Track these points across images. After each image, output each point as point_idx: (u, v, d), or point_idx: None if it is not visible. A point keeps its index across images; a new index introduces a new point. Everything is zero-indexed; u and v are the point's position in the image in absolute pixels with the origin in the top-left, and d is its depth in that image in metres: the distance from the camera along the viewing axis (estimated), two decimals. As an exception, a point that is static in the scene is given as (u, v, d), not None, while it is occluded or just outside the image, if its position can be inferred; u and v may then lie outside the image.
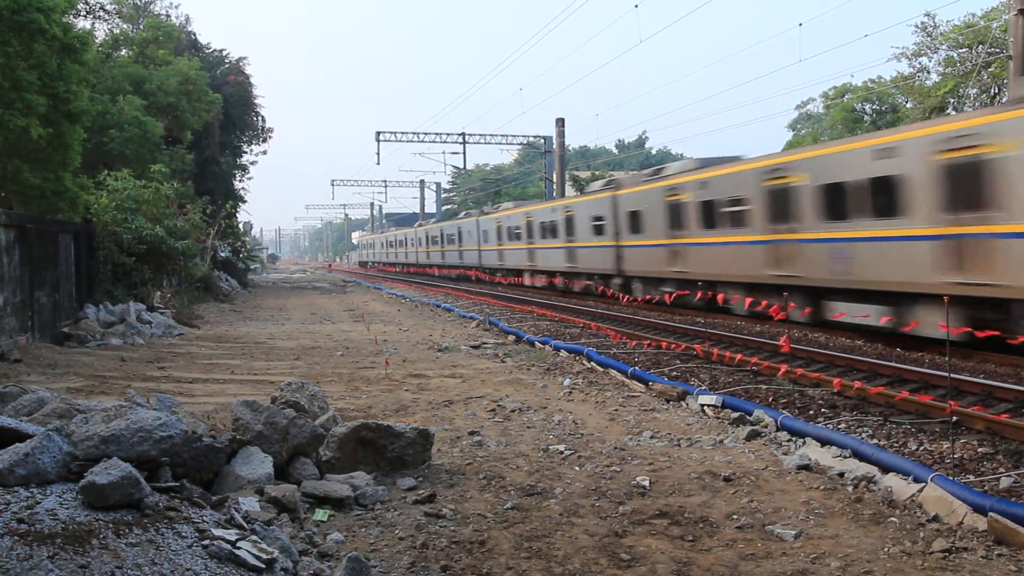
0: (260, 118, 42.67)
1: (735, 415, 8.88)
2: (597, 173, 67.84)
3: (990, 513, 5.31)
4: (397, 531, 5.50)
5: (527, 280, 35.79)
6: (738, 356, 12.90)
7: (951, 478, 6.23)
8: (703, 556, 5.06)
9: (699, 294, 18.18)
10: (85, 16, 23.88)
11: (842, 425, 8.77)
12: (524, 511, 5.90)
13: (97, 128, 22.02)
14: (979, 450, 7.69)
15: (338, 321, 23.14)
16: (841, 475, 6.63)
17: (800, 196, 16.30)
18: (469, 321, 21.38)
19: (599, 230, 26.82)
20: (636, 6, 32.13)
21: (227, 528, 4.69)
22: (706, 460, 7.25)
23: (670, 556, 5.05)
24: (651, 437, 8.14)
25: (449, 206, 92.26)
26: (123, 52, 30.00)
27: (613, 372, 12.10)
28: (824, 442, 7.55)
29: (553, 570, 4.86)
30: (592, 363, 13.02)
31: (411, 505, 6.03)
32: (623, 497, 6.20)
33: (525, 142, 54.51)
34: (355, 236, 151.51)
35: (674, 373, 12.20)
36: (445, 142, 51.94)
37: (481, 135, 52.37)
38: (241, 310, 27.91)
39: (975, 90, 34.32)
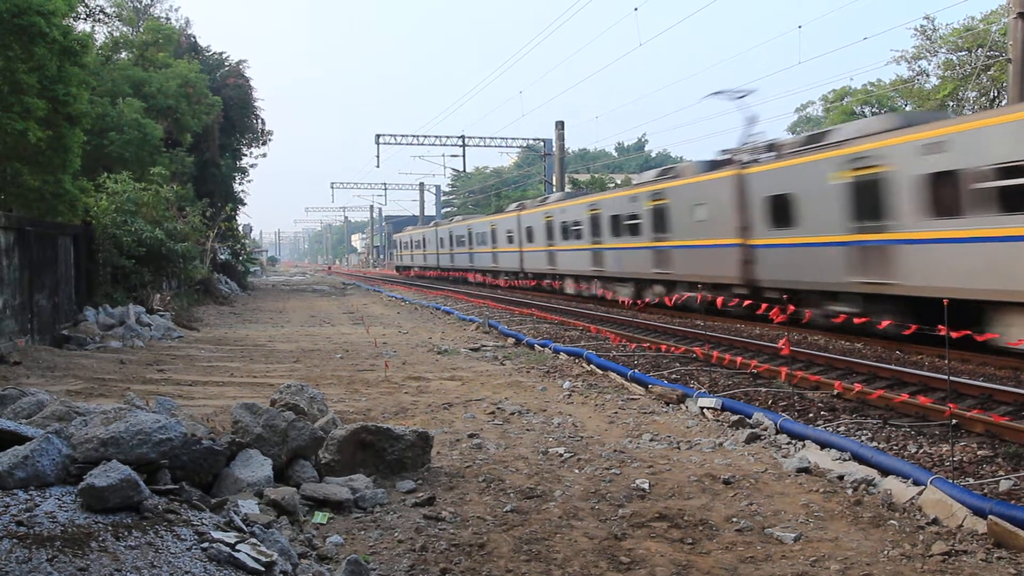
0: (260, 121, 42.76)
1: (735, 418, 8.88)
2: (596, 176, 67.98)
3: (990, 516, 5.31)
4: (396, 534, 5.49)
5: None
6: (738, 359, 12.90)
7: (951, 481, 6.23)
8: (702, 559, 5.06)
9: None
10: (85, 19, 23.95)
11: (841, 428, 8.78)
12: (523, 514, 5.90)
13: (97, 131, 22.04)
14: (978, 453, 7.69)
15: (337, 324, 23.14)
16: (841, 478, 6.63)
17: None
18: (469, 324, 21.37)
19: None
20: (636, 9, 32.34)
21: (226, 531, 4.68)
22: (706, 463, 7.25)
23: (670, 559, 5.05)
24: (650, 440, 8.14)
25: (449, 208, 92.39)
26: (123, 55, 30.03)
27: (613, 375, 12.10)
28: (824, 445, 7.55)
29: (552, 573, 4.85)
30: (592, 366, 13.01)
31: (410, 508, 6.02)
32: (622, 500, 6.19)
33: (525, 145, 54.61)
34: (355, 237, 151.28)
35: (673, 376, 12.20)
36: (445, 145, 52.09)
37: (481, 138, 52.54)
38: (240, 313, 27.90)
39: (974, 93, 34.39)
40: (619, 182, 62.19)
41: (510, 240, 36.30)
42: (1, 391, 7.17)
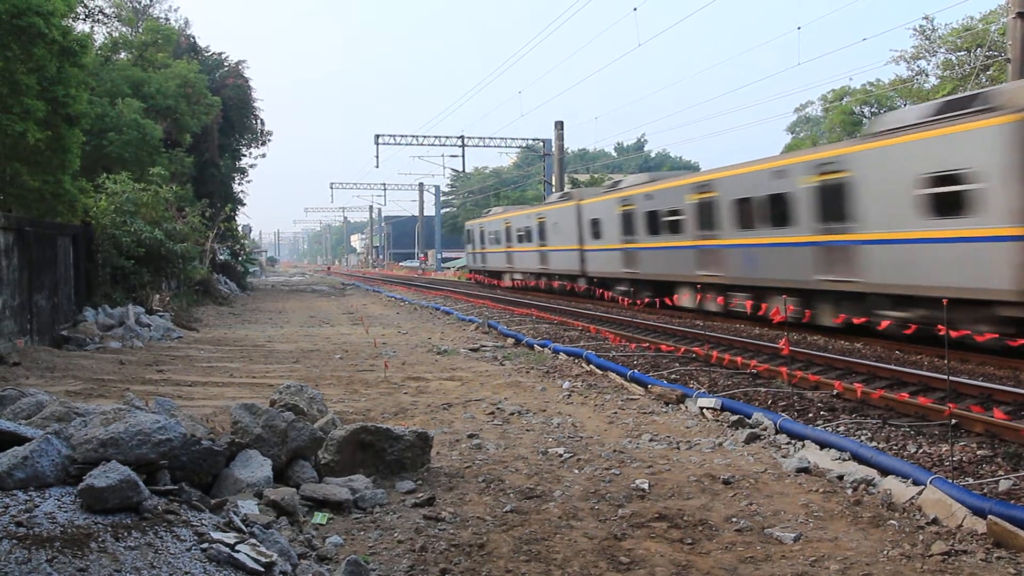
0: (259, 121, 42.75)
1: (734, 418, 8.88)
2: (596, 176, 67.98)
3: (989, 516, 5.31)
4: (396, 534, 5.49)
5: None
6: (738, 359, 12.90)
7: (950, 481, 6.23)
8: (702, 559, 5.06)
9: None
10: (84, 20, 23.94)
11: (841, 428, 8.77)
12: (523, 514, 5.90)
13: (96, 131, 22.02)
14: (978, 453, 7.69)
15: (337, 324, 23.13)
16: (840, 478, 6.63)
17: None
18: (468, 324, 21.37)
19: None
20: (635, 9, 32.35)
21: (226, 531, 4.68)
22: (705, 463, 7.25)
23: (669, 559, 5.05)
24: (650, 440, 8.14)
25: (448, 209, 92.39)
26: (122, 55, 30.00)
27: (612, 375, 12.10)
28: (823, 445, 7.55)
29: (552, 573, 4.85)
30: (591, 366, 13.01)
31: (410, 508, 6.02)
32: (622, 500, 6.19)
33: (524, 145, 54.62)
34: (355, 237, 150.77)
35: (673, 376, 12.20)
36: (444, 145, 52.15)
37: (480, 138, 52.55)
38: (240, 313, 27.89)
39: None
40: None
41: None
42: (0, 392, 7.17)
